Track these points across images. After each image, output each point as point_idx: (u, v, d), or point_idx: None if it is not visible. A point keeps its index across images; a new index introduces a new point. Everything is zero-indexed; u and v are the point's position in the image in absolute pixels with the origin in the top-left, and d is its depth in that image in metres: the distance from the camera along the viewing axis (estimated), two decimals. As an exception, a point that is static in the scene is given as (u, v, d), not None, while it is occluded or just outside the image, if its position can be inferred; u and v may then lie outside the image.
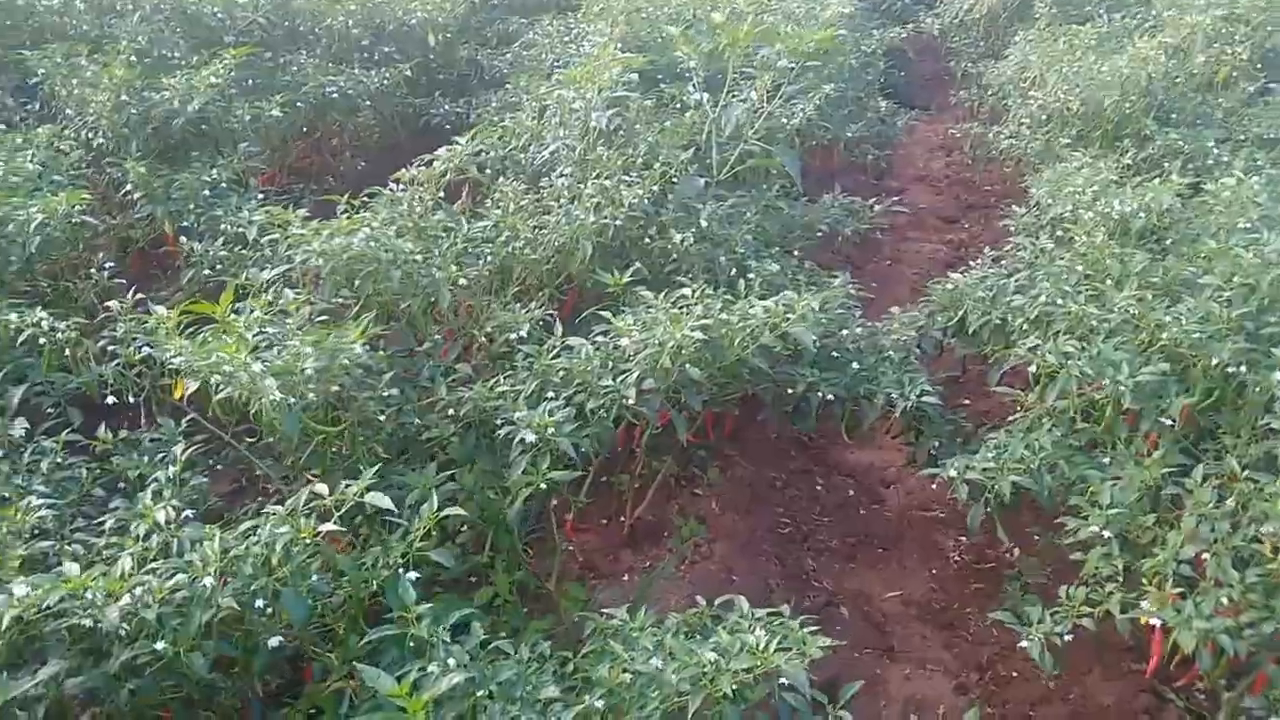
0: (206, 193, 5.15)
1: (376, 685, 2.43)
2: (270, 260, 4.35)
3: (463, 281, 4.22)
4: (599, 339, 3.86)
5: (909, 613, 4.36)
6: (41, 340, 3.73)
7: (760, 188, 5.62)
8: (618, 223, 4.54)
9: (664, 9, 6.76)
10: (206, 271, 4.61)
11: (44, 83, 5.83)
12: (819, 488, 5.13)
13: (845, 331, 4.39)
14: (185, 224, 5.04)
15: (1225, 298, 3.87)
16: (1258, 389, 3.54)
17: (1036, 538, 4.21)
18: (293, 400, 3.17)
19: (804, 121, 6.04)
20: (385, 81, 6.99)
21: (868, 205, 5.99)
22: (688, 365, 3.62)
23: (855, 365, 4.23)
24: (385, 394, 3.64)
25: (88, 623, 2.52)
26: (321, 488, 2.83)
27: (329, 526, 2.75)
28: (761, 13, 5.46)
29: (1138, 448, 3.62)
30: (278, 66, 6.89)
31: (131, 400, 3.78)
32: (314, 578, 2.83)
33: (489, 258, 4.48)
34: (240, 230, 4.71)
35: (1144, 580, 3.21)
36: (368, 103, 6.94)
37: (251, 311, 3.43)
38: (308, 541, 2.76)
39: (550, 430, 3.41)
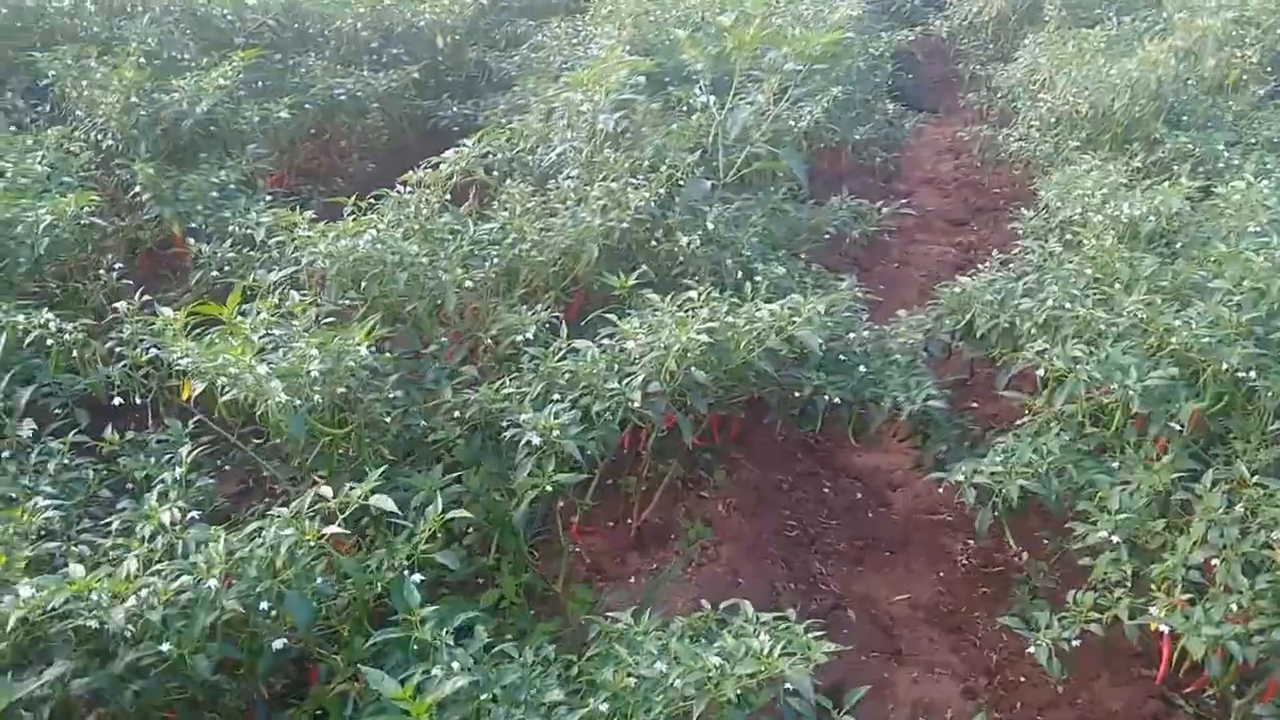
0: (215, 194, 5.17)
1: (380, 688, 2.43)
2: (277, 262, 4.36)
3: (469, 284, 4.22)
4: (605, 341, 3.85)
5: (916, 616, 4.35)
6: (49, 341, 3.73)
7: (767, 190, 5.60)
8: (624, 225, 4.53)
9: (672, 11, 6.75)
10: (214, 273, 4.62)
11: (54, 84, 5.85)
12: (826, 490, 5.12)
13: (852, 334, 4.38)
14: (193, 225, 5.05)
15: (1235, 302, 3.85)
16: (1268, 394, 3.52)
17: (1045, 542, 4.20)
18: (298, 402, 3.17)
19: (811, 124, 6.02)
20: (393, 84, 6.99)
21: (875, 208, 5.97)
22: (693, 368, 3.61)
23: (862, 368, 4.22)
24: (391, 396, 3.64)
25: (93, 624, 2.53)
26: (326, 490, 2.83)
27: (333, 529, 2.75)
28: (769, 15, 5.44)
29: (1147, 452, 3.61)
30: (287, 68, 6.90)
31: (139, 401, 3.79)
32: (319, 580, 2.83)
33: (495, 260, 4.47)
34: (248, 232, 4.72)
35: (1153, 586, 3.19)
36: (376, 105, 6.95)
37: (258, 313, 3.43)
38: (312, 544, 2.76)
39: (555, 433, 3.41)
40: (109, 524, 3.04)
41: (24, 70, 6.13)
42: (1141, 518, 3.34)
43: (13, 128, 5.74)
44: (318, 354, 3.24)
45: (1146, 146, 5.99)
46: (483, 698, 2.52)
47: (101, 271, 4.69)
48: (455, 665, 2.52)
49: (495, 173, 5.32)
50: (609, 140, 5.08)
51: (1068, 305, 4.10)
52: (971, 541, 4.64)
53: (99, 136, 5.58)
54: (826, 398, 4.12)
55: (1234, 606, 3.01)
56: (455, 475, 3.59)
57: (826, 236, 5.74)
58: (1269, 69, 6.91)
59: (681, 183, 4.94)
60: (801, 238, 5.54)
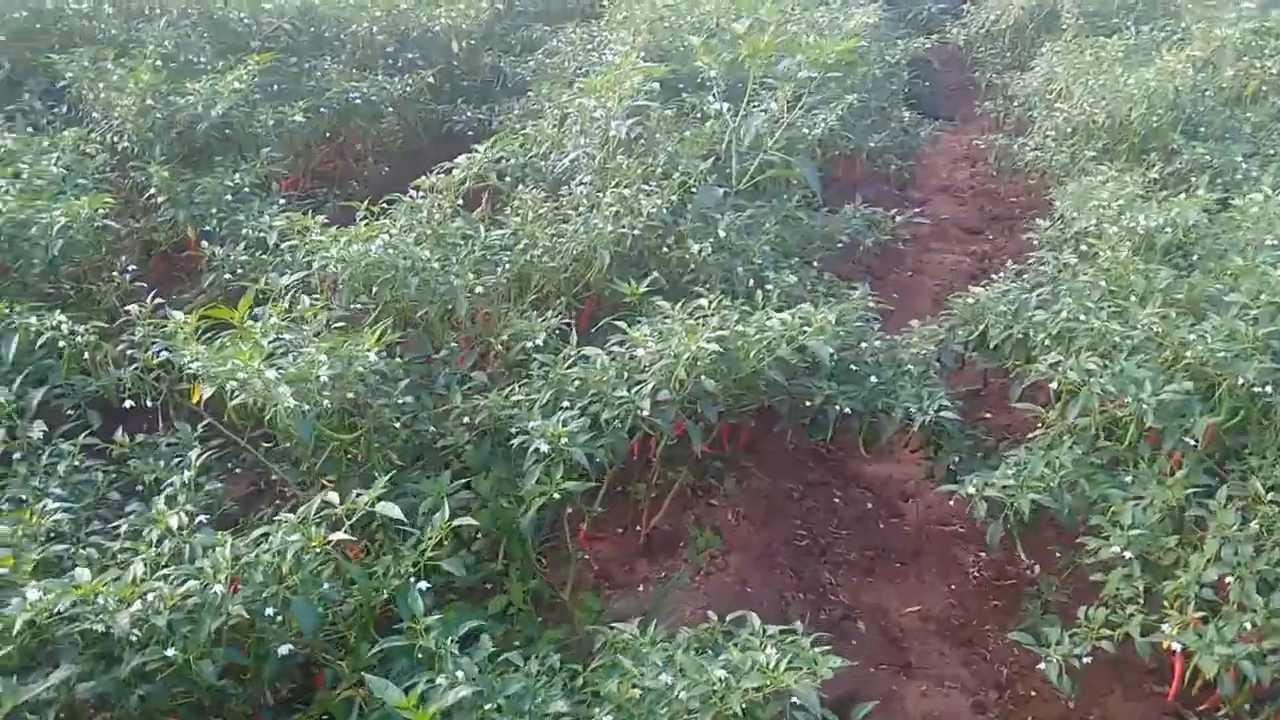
0: (229, 197, 5.18)
1: (384, 696, 2.42)
2: (290, 266, 4.37)
3: (480, 289, 4.22)
4: (615, 349, 3.84)
5: (927, 628, 4.31)
6: (61, 344, 3.75)
7: (781, 198, 5.59)
8: (636, 232, 4.53)
9: (687, 18, 6.75)
10: (227, 276, 4.64)
11: (71, 86, 5.89)
12: (837, 500, 5.09)
13: (864, 344, 4.35)
14: (207, 228, 5.07)
15: (1252, 316, 3.81)
16: (1284, 409, 3.48)
17: (1058, 555, 4.16)
18: (307, 407, 3.18)
19: (826, 132, 6.01)
20: (408, 88, 7.01)
21: (889, 216, 5.95)
22: (703, 377, 3.60)
23: (873, 378, 4.20)
24: (400, 401, 3.63)
25: (100, 628, 2.53)
26: (333, 496, 2.83)
27: (339, 535, 2.74)
28: (784, 23, 5.43)
29: (1160, 467, 3.57)
30: (302, 72, 6.93)
31: (149, 404, 3.80)
32: (325, 585, 2.83)
33: (507, 265, 4.47)
34: (261, 235, 4.73)
35: (1165, 603, 3.16)
36: (390, 109, 6.96)
37: (269, 318, 3.44)
38: (318, 550, 2.76)
39: (564, 440, 3.40)
40: (117, 527, 3.04)
41: (42, 72, 6.18)
42: (1154, 533, 3.31)
43: (30, 129, 5.78)
44: (327, 359, 3.24)
45: (1164, 157, 5.94)
46: (487, 707, 2.50)
47: (115, 273, 4.71)
48: (460, 674, 2.51)
49: (508, 178, 5.32)
50: (622, 146, 5.08)
51: (1082, 317, 4.07)
52: (984, 553, 4.61)
53: (115, 139, 5.61)
54: (837, 407, 4.09)
55: (1248, 625, 2.97)
56: (464, 481, 3.58)
57: (840, 245, 5.72)
58: (1288, 80, 6.86)
59: (694, 190, 4.93)
60: (814, 245, 5.52)
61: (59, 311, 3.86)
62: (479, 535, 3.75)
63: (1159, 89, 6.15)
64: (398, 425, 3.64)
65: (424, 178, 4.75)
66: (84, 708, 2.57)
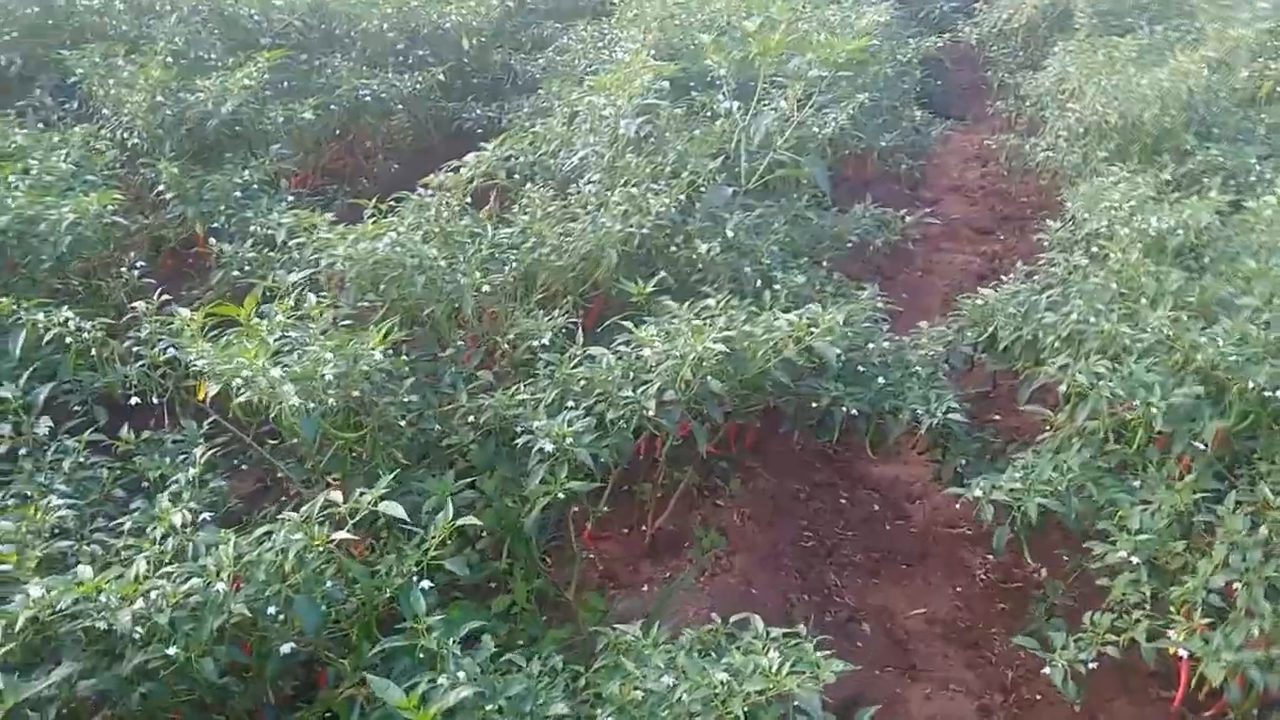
0: (238, 194, 5.19)
1: (385, 696, 2.42)
2: (298, 263, 4.38)
3: (486, 288, 4.21)
4: (621, 349, 3.83)
5: (932, 631, 4.29)
6: (68, 340, 3.75)
7: (790, 197, 5.57)
8: (644, 231, 4.52)
9: (698, 15, 6.73)
10: (235, 273, 4.64)
11: (82, 82, 5.90)
12: (843, 501, 5.07)
13: (871, 345, 4.33)
14: (216, 225, 5.08)
15: (1264, 319, 3.78)
16: (1294, 414, 3.45)
17: (1065, 559, 4.14)
18: (312, 405, 3.17)
19: (836, 131, 5.98)
20: (419, 85, 7.01)
21: (899, 216, 5.92)
22: (709, 377, 3.59)
23: (881, 380, 4.18)
24: (406, 400, 3.63)
25: (102, 625, 2.53)
26: (336, 495, 2.83)
27: (342, 534, 2.74)
28: (795, 21, 5.41)
29: (1169, 472, 3.55)
30: (313, 69, 6.94)
31: (155, 401, 3.80)
32: (328, 584, 2.83)
33: (514, 264, 4.47)
34: (269, 232, 4.74)
35: (1172, 608, 3.14)
36: (401, 106, 6.96)
37: (275, 315, 3.44)
38: (321, 549, 2.75)
39: (569, 440, 3.39)
40: (121, 524, 3.05)
41: (53, 68, 6.20)
42: (1162, 538, 3.29)
43: (41, 125, 5.80)
44: (332, 358, 3.24)
45: (1176, 158, 5.90)
46: (488, 708, 2.50)
47: (124, 270, 4.72)
48: (461, 675, 2.51)
49: (517, 176, 5.31)
50: (631, 145, 5.06)
51: (1092, 320, 4.04)
52: (990, 556, 4.58)
53: (125, 135, 5.63)
54: (844, 409, 4.07)
55: (1255, 631, 2.95)
56: (469, 480, 3.58)
57: (849, 244, 5.70)
58: (1303, 81, 6.80)
59: (703, 189, 4.92)
60: (824, 245, 5.50)
61: (66, 307, 3.87)
62: (484, 534, 3.75)
63: (1172, 89, 6.10)
64: (403, 424, 3.63)
65: (432, 176, 4.75)
66: (85, 705, 2.57)
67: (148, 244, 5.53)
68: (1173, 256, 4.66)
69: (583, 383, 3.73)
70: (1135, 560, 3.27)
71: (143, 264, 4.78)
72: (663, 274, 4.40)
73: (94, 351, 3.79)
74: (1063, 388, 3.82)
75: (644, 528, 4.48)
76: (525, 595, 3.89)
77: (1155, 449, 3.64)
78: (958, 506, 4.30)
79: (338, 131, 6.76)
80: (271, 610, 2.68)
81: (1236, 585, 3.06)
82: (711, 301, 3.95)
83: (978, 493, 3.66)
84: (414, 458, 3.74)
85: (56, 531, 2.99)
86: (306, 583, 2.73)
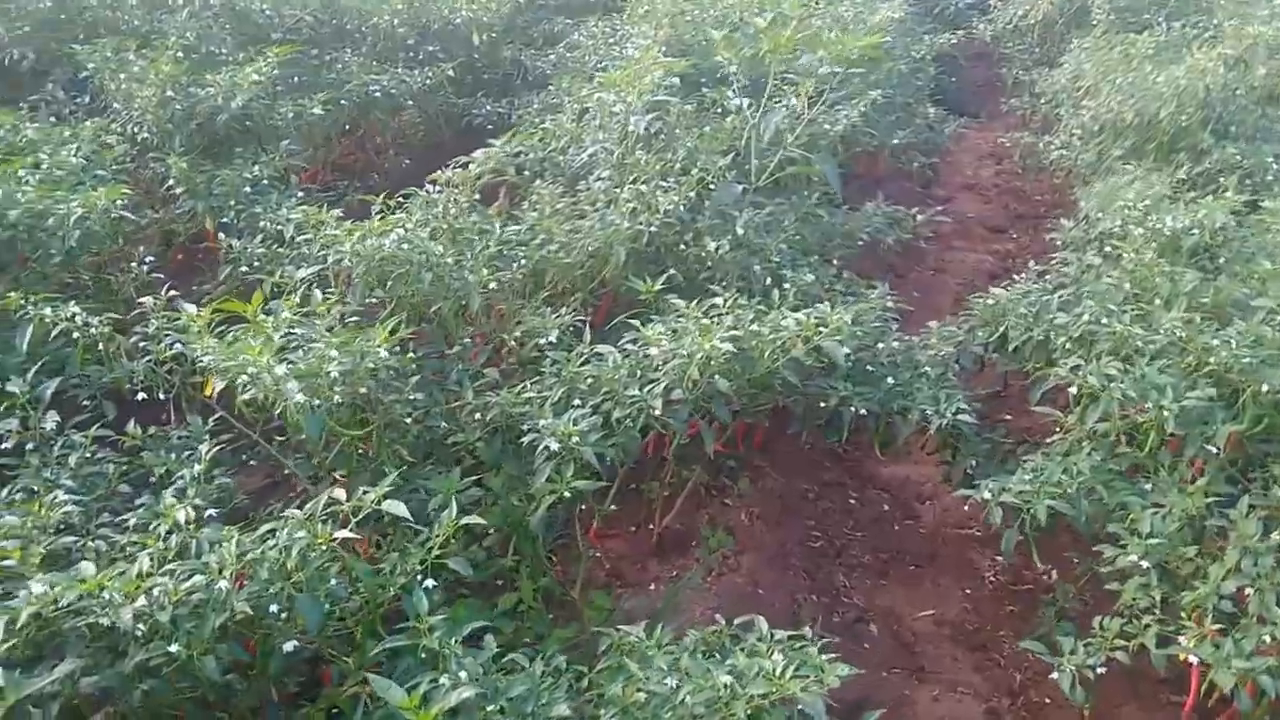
0: (247, 189, 5.19)
1: (386, 696, 2.41)
2: (306, 259, 4.37)
3: (494, 285, 4.20)
4: (629, 347, 3.81)
5: (941, 633, 4.27)
6: (75, 335, 3.76)
7: (801, 195, 5.54)
8: (653, 229, 4.49)
9: (710, 11, 6.69)
10: (244, 269, 4.64)
11: (94, 77, 5.91)
12: (852, 501, 5.05)
13: (880, 345, 4.30)
14: (225, 220, 5.08)
15: (1278, 321, 3.73)
16: (1310, 418, 3.41)
17: (1075, 561, 4.10)
18: (317, 403, 3.17)
19: (848, 128, 5.94)
20: (429, 81, 6.99)
21: (911, 214, 5.89)
22: (716, 377, 3.56)
23: (890, 380, 4.15)
24: (411, 397, 3.62)
25: (105, 622, 2.53)
26: (340, 493, 2.82)
27: (344, 533, 2.73)
28: (807, 17, 5.37)
29: (1181, 475, 3.51)
30: (323, 64, 6.93)
31: (162, 397, 3.80)
32: (332, 582, 2.82)
33: (523, 261, 4.45)
34: (279, 228, 4.74)
35: (1183, 614, 3.10)
36: (411, 102, 6.95)
37: (281, 312, 3.43)
38: (324, 547, 2.74)
39: (574, 439, 3.37)
40: (126, 520, 3.05)
41: (66, 62, 6.21)
42: (1173, 543, 3.25)
43: (52, 119, 5.82)
44: (337, 355, 3.23)
45: (1192, 157, 5.84)
46: (489, 709, 2.49)
47: (134, 264, 4.73)
48: (463, 675, 2.50)
49: (527, 173, 5.30)
50: (641, 142, 5.04)
51: (1104, 321, 4.00)
52: (1000, 558, 4.55)
53: (135, 129, 5.63)
54: (853, 409, 4.05)
55: (1267, 638, 2.91)
56: (475, 478, 3.57)
57: (860, 243, 5.66)
58: (1323, 80, 6.72)
59: (712, 186, 4.89)
60: (834, 243, 5.47)
61: (75, 302, 3.87)
62: (491, 531, 3.74)
63: (1189, 87, 6.04)
64: (409, 421, 3.62)
65: (440, 172, 4.74)
66: (88, 702, 2.57)
67: (158, 239, 5.54)
68: (1187, 257, 4.61)
69: (589, 381, 3.71)
70: (1146, 564, 3.24)
71: (152, 259, 4.78)
72: (671, 272, 4.38)
73: (101, 346, 3.79)
74: (1074, 389, 3.78)
75: (651, 526, 4.46)
76: (531, 593, 3.89)
77: (1167, 452, 3.61)
78: (966, 508, 4.28)
79: (348, 127, 6.76)
80: (274, 608, 2.67)
81: (1248, 591, 3.02)
82: (719, 300, 3.93)
83: (986, 495, 3.63)
84: (420, 455, 3.74)
85: (62, 527, 2.99)
86: (309, 581, 2.73)
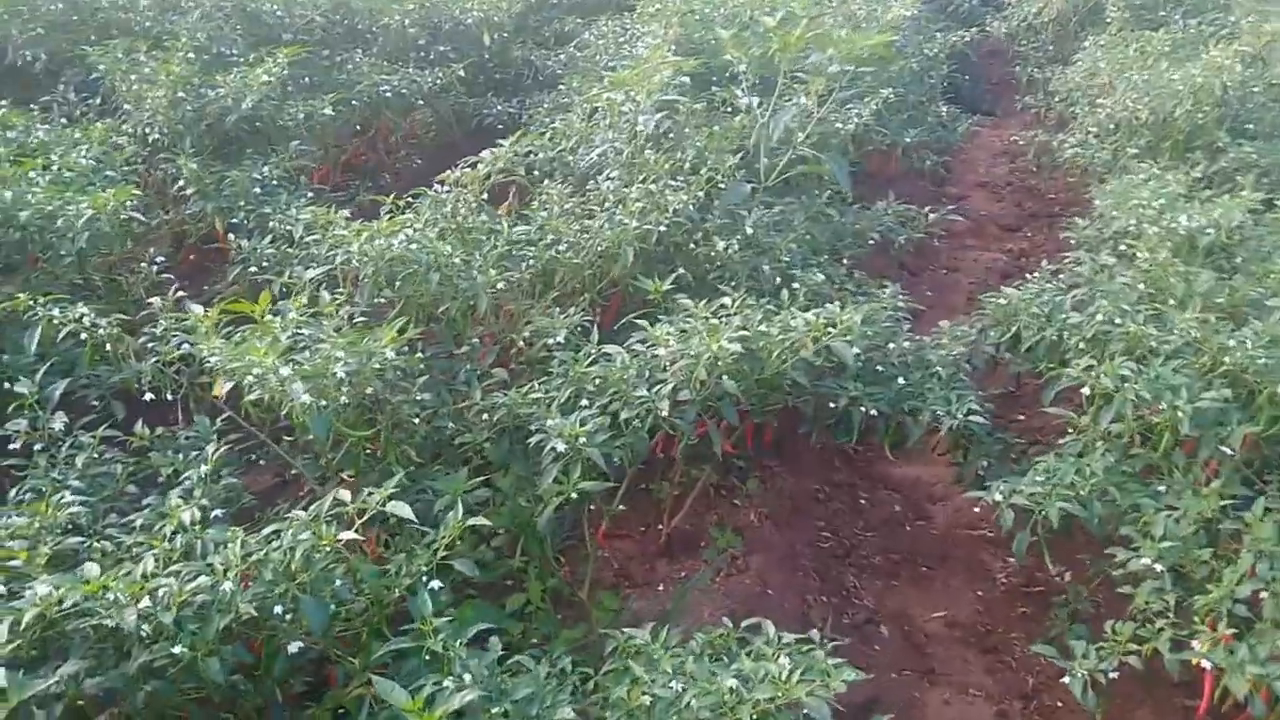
0: (257, 190, 5.20)
1: (390, 699, 2.40)
2: (315, 259, 4.37)
3: (501, 285, 4.19)
4: (637, 347, 3.80)
5: (952, 635, 4.24)
6: (83, 335, 3.76)
7: (811, 194, 5.51)
8: (662, 228, 4.47)
9: (720, 10, 6.67)
10: (254, 269, 4.65)
11: (105, 78, 5.93)
12: (863, 502, 5.02)
13: (891, 345, 4.27)
14: (235, 221, 5.09)
15: (1294, 322, 3.69)
16: (1326, 419, 3.37)
17: (1088, 563, 4.06)
18: (323, 403, 3.16)
19: (860, 127, 5.91)
20: (440, 81, 7.00)
21: (923, 213, 5.85)
22: (724, 377, 3.54)
23: (901, 380, 4.11)
24: (419, 398, 3.62)
25: (109, 623, 2.53)
26: (345, 494, 2.81)
27: (349, 535, 2.72)
28: (818, 16, 5.34)
29: (1195, 477, 3.47)
30: (334, 65, 6.95)
31: (170, 397, 3.81)
32: (337, 583, 2.81)
33: (531, 261, 4.44)
34: (289, 228, 4.74)
35: (1196, 618, 3.06)
36: (421, 102, 6.96)
37: (288, 312, 3.43)
38: (329, 548, 2.74)
39: (581, 440, 3.36)
40: (133, 520, 3.05)
41: (77, 63, 6.23)
42: (1187, 546, 3.21)
43: (64, 120, 5.84)
44: (344, 355, 3.22)
45: (1208, 156, 5.80)
46: (494, 711, 2.48)
47: (144, 265, 4.74)
48: (468, 677, 2.48)
49: (536, 172, 5.29)
50: (650, 141, 5.02)
51: (1118, 321, 3.97)
52: (1012, 559, 4.51)
53: (146, 130, 5.65)
54: (863, 409, 4.02)
55: (1282, 644, 2.88)
56: (484, 479, 3.56)
57: (871, 242, 5.63)
58: (1341, 77, 6.65)
59: (722, 186, 4.87)
60: (845, 243, 5.44)
61: (85, 303, 3.88)
62: (499, 531, 3.73)
63: (1205, 85, 6.00)
64: (416, 421, 3.62)
65: (449, 172, 4.73)
66: (92, 703, 2.57)
67: (169, 239, 5.56)
68: (1203, 256, 4.57)
69: (597, 381, 3.70)
70: (1159, 568, 3.20)
71: (163, 259, 4.79)
72: (680, 271, 4.36)
73: (110, 347, 3.79)
74: (1087, 390, 3.74)
75: (660, 527, 4.44)
76: (539, 594, 3.88)
77: (1181, 454, 3.57)
78: (976, 510, 4.23)
79: (359, 127, 6.76)
80: (278, 609, 2.66)
81: (1263, 595, 2.98)
82: (728, 300, 3.90)
83: (998, 497, 3.60)
84: (428, 455, 3.73)
85: (69, 527, 2.99)
86: (314, 582, 2.72)
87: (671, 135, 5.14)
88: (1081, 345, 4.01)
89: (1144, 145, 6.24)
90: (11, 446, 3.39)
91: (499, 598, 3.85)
